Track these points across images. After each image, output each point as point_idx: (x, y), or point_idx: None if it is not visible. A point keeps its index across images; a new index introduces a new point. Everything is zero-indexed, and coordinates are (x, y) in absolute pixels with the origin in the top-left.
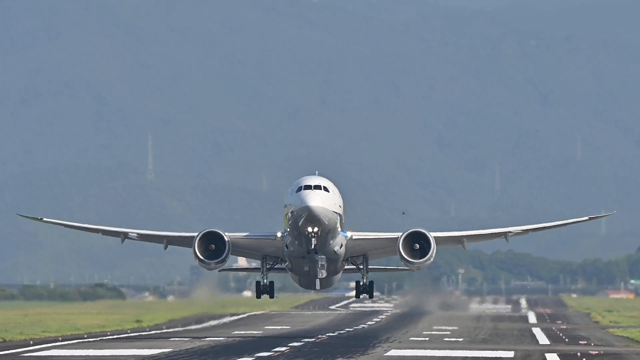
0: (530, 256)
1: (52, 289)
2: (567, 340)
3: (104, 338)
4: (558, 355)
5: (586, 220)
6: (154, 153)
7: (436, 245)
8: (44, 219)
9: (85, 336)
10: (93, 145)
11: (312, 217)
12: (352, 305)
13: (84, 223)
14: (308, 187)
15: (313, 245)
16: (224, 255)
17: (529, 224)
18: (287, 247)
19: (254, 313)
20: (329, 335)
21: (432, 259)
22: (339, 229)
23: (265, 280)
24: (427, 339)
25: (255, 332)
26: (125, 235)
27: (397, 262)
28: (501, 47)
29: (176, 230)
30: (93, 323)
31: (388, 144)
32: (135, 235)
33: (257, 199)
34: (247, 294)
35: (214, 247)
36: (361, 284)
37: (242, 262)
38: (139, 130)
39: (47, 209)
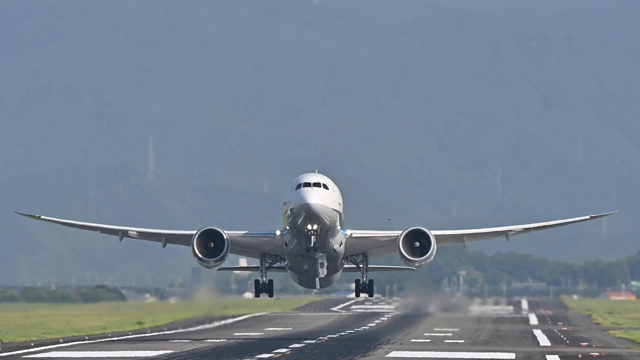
0: (532, 258)
1: (53, 290)
2: (568, 342)
3: (105, 340)
4: (559, 356)
5: (587, 219)
6: (154, 154)
7: (437, 243)
8: (42, 217)
9: (86, 338)
10: (94, 147)
11: (311, 214)
12: (353, 307)
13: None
14: (307, 185)
15: (312, 243)
16: (223, 253)
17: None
18: (287, 245)
19: (255, 315)
20: (330, 337)
21: (432, 258)
22: (339, 227)
23: (264, 279)
24: (428, 340)
25: (256, 333)
26: (123, 233)
27: (397, 262)
28: (502, 48)
29: None
30: (94, 325)
31: (389, 145)
32: (135, 233)
33: (258, 201)
34: (248, 295)
35: (212, 245)
36: (361, 282)
37: (243, 263)
38: (140, 132)
39: (48, 210)
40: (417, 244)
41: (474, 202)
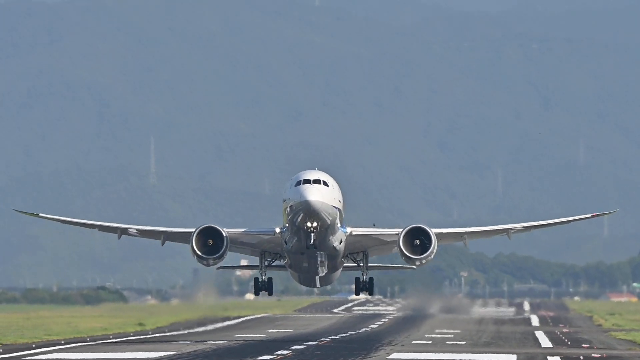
0: (533, 259)
1: (54, 292)
2: (569, 343)
3: (107, 341)
4: (560, 358)
5: (589, 217)
6: (155, 155)
7: (437, 242)
8: (40, 215)
9: (88, 339)
10: (95, 148)
11: (311, 211)
12: (355, 308)
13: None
14: (307, 182)
15: (312, 241)
16: (222, 251)
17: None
18: (286, 243)
19: (257, 316)
20: (331, 339)
21: (432, 256)
22: (339, 225)
23: (263, 277)
24: (429, 342)
25: (257, 335)
26: (122, 231)
27: (397, 262)
28: (503, 49)
29: None
30: (95, 326)
31: (390, 146)
32: (135, 231)
33: (259, 202)
34: (250, 296)
35: (211, 242)
36: (361, 281)
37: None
38: (141, 133)
39: (49, 211)
40: (418, 242)
41: (475, 203)
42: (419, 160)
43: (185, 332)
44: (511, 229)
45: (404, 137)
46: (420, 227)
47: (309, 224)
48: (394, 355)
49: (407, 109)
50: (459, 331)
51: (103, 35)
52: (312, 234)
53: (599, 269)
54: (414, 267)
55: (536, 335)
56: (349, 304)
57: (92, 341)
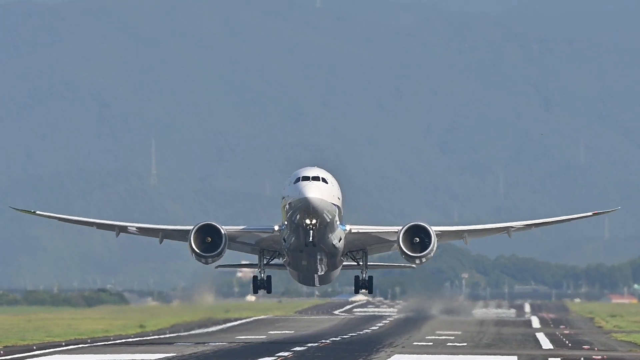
0: (534, 261)
1: (55, 294)
2: (570, 345)
3: (107, 343)
4: (561, 359)
5: (590, 215)
6: (156, 157)
7: (437, 240)
8: (37, 212)
9: (89, 341)
10: (96, 149)
11: (310, 208)
12: (356, 310)
13: (86, 227)
14: (306, 178)
15: (311, 238)
16: (220, 248)
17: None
18: (285, 241)
19: (258, 318)
20: (332, 340)
21: (432, 254)
22: (338, 222)
23: (262, 275)
24: (430, 343)
25: (258, 336)
26: (120, 229)
27: (397, 261)
28: (504, 51)
29: None
30: (96, 328)
31: (391, 147)
32: (135, 229)
33: (259, 203)
34: (251, 298)
35: (210, 240)
36: (360, 279)
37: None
38: (142, 134)
39: (49, 212)
40: (417, 239)
41: (476, 204)
42: (420, 161)
43: (186, 333)
44: (512, 227)
45: (404, 138)
46: (419, 225)
47: (308, 221)
48: (395, 356)
49: (408, 109)
50: (459, 333)
51: (103, 36)
52: (311, 232)
53: (600, 270)
54: (413, 265)
55: (537, 336)
56: (350, 306)
57: (93, 343)
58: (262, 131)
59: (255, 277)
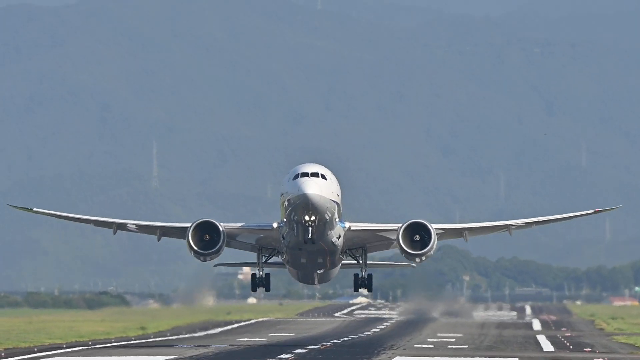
0: (535, 263)
1: (56, 296)
2: (571, 347)
3: (109, 345)
4: None
5: (592, 213)
6: (158, 160)
7: (437, 238)
8: (34, 209)
9: (90, 343)
10: (97, 152)
11: (309, 205)
12: (357, 312)
13: (88, 229)
14: (305, 175)
15: (310, 235)
16: (219, 246)
17: (533, 229)
18: (284, 238)
19: (259, 320)
20: (333, 343)
21: (432, 251)
22: (337, 219)
23: (261, 273)
24: (431, 346)
25: (259, 339)
26: (117, 226)
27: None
28: (506, 54)
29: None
30: (97, 330)
31: (393, 150)
32: (134, 226)
33: (261, 206)
34: (252, 300)
35: (208, 237)
36: (360, 277)
37: (247, 269)
38: (144, 137)
39: None
40: (417, 237)
41: (478, 207)
42: (421, 164)
43: (187, 336)
44: (512, 224)
45: (406, 141)
46: (419, 222)
47: (307, 218)
48: (396, 359)
49: (410, 112)
50: (461, 335)
51: (105, 40)
52: (310, 228)
53: (601, 272)
54: (413, 264)
55: (538, 339)
56: (351, 308)
57: (94, 345)
58: (263, 134)
59: (254, 275)
